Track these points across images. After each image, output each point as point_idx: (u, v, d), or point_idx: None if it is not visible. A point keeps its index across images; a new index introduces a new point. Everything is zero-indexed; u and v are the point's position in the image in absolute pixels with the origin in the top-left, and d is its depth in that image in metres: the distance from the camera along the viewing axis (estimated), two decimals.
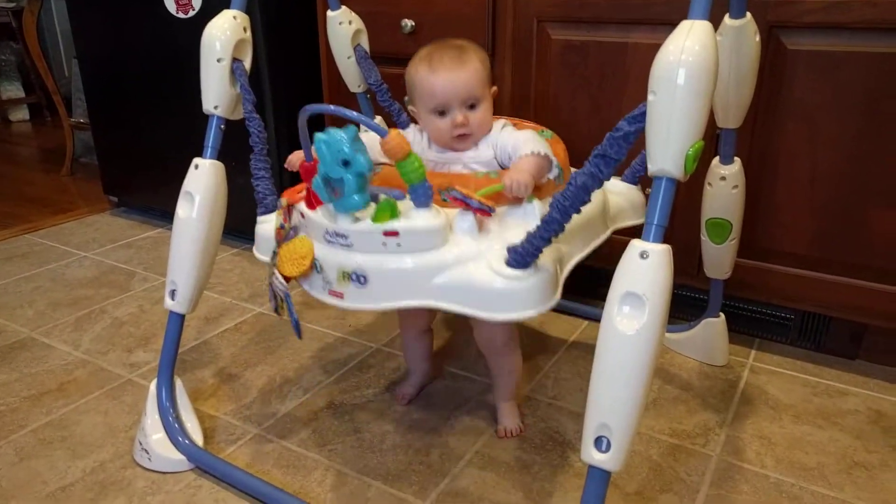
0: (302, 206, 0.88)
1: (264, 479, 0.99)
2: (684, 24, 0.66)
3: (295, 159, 0.98)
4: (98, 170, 2.21)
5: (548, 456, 1.06)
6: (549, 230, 0.75)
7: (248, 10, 1.06)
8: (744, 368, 1.30)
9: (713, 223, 1.14)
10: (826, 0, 1.08)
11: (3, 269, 1.78)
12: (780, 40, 1.14)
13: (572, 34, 1.32)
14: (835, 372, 1.28)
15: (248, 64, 1.06)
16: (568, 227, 0.77)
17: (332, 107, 0.80)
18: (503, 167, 1.00)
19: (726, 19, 0.95)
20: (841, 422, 1.14)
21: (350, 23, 1.24)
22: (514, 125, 1.09)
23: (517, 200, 0.88)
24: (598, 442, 0.70)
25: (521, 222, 0.86)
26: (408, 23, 1.47)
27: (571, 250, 0.92)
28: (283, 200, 0.92)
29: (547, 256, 0.80)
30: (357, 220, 0.81)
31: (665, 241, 0.68)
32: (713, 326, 1.29)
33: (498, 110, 1.45)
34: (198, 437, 1.05)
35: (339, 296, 0.84)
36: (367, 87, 1.30)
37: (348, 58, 1.27)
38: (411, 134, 1.06)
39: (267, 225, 1.00)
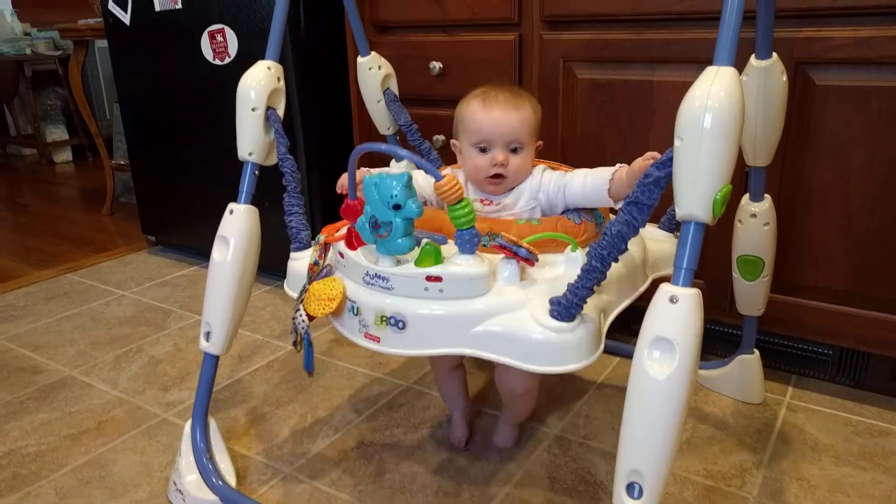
0: (341, 245, 0.89)
1: None
2: (710, 70, 0.66)
3: (344, 182, 0.98)
4: (137, 209, 2.28)
5: (579, 498, 1.04)
6: (590, 279, 0.74)
7: (281, 58, 1.09)
8: (780, 406, 1.27)
9: (744, 260, 1.13)
10: (852, 36, 1.08)
11: (46, 308, 1.83)
12: (808, 76, 1.14)
13: (598, 73, 1.34)
14: (876, 410, 1.25)
15: (281, 111, 1.09)
16: (611, 276, 0.76)
17: (383, 146, 0.81)
18: (545, 214, 1.00)
19: (752, 60, 0.96)
20: (884, 463, 1.11)
21: (379, 68, 1.28)
22: (555, 168, 1.11)
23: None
24: (629, 488, 0.69)
25: (563, 271, 0.86)
26: (436, 65, 1.51)
27: (614, 300, 0.91)
28: (321, 237, 0.93)
29: (591, 307, 0.79)
30: (399, 262, 0.82)
31: (696, 277, 0.68)
32: (747, 363, 1.26)
33: None
34: (231, 478, 1.06)
35: (376, 339, 0.84)
36: (396, 129, 1.33)
37: (378, 101, 1.30)
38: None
39: (299, 262, 1.02)
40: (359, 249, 0.86)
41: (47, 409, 1.34)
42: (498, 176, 0.98)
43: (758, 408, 1.26)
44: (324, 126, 1.78)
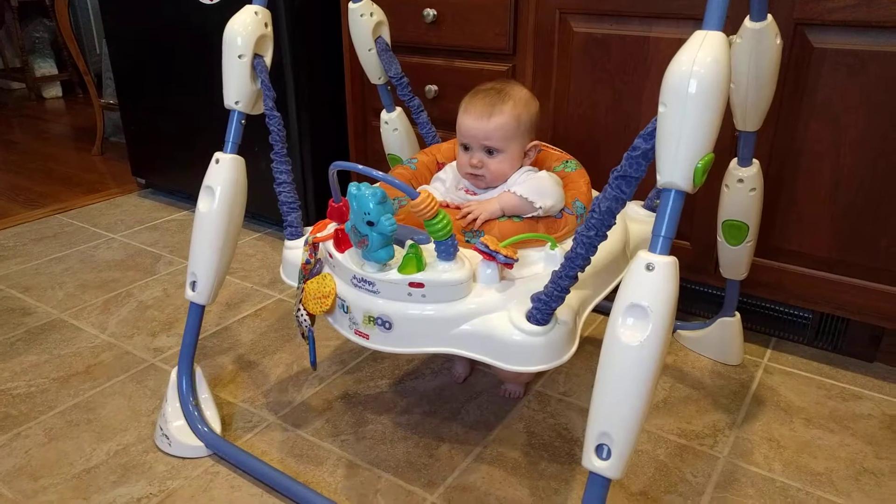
0: (330, 245, 0.90)
1: (278, 467, 1.02)
2: (697, 35, 0.65)
3: None
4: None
5: (555, 453, 1.07)
6: (573, 266, 0.76)
7: (272, 2, 1.06)
8: (758, 368, 1.29)
9: (729, 225, 1.13)
10: None
11: (36, 249, 1.83)
12: (806, 38, 1.12)
13: (595, 27, 1.31)
14: (851, 374, 1.27)
15: (268, 59, 1.07)
16: (588, 270, 0.77)
17: (360, 166, 0.82)
18: None
19: (746, 22, 0.93)
20: (853, 426, 1.14)
21: (371, 14, 1.24)
22: (542, 150, 1.11)
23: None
24: (598, 449, 0.71)
25: (542, 269, 0.89)
26: (430, 12, 1.47)
27: (594, 292, 0.94)
28: (310, 237, 0.94)
29: (567, 308, 0.82)
30: (384, 268, 0.84)
31: (684, 238, 0.68)
32: (728, 326, 1.28)
33: None
34: (216, 425, 1.09)
35: (365, 336, 0.88)
36: (387, 79, 1.31)
37: (369, 50, 1.27)
38: (448, 171, 1.10)
39: (293, 251, 1.04)
40: (346, 252, 0.88)
41: (37, 351, 1.36)
42: (475, 175, 1.02)
43: (735, 369, 1.29)
44: (315, 73, 1.74)
